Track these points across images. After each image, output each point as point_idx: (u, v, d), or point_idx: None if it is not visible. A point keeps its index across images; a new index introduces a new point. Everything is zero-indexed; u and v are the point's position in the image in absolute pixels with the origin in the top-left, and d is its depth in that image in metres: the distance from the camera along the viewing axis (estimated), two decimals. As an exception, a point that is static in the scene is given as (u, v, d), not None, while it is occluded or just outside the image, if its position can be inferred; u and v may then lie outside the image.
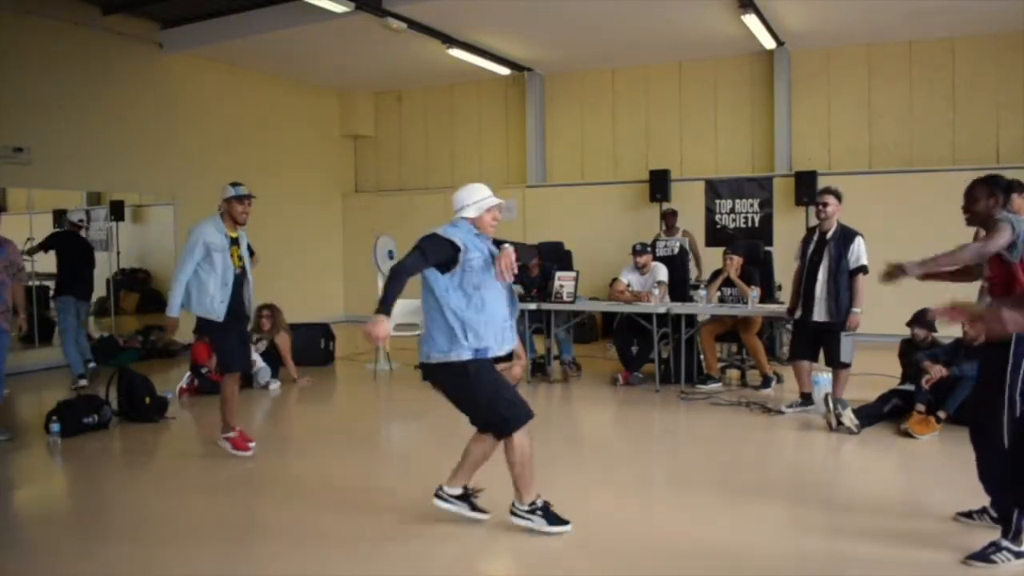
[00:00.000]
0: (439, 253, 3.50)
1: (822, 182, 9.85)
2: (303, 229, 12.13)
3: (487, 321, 3.55)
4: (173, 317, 5.00)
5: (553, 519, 3.75)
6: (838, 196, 6.00)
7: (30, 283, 8.92)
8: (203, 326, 5.07)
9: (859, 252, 5.86)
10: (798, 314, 6.10)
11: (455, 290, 3.53)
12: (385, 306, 3.32)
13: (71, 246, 7.85)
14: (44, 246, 7.90)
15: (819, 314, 5.91)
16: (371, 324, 3.27)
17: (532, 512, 3.74)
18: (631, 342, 7.50)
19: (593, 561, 3.53)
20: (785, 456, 5.44)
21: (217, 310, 4.99)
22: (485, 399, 3.62)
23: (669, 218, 9.56)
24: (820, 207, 5.97)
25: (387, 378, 8.15)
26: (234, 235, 5.15)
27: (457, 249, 3.50)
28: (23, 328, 6.10)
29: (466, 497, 3.87)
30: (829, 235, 5.93)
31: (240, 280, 5.13)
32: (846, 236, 5.90)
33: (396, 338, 8.37)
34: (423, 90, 12.80)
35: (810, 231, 6.17)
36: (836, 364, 5.96)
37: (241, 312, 5.19)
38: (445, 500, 3.83)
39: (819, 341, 6.04)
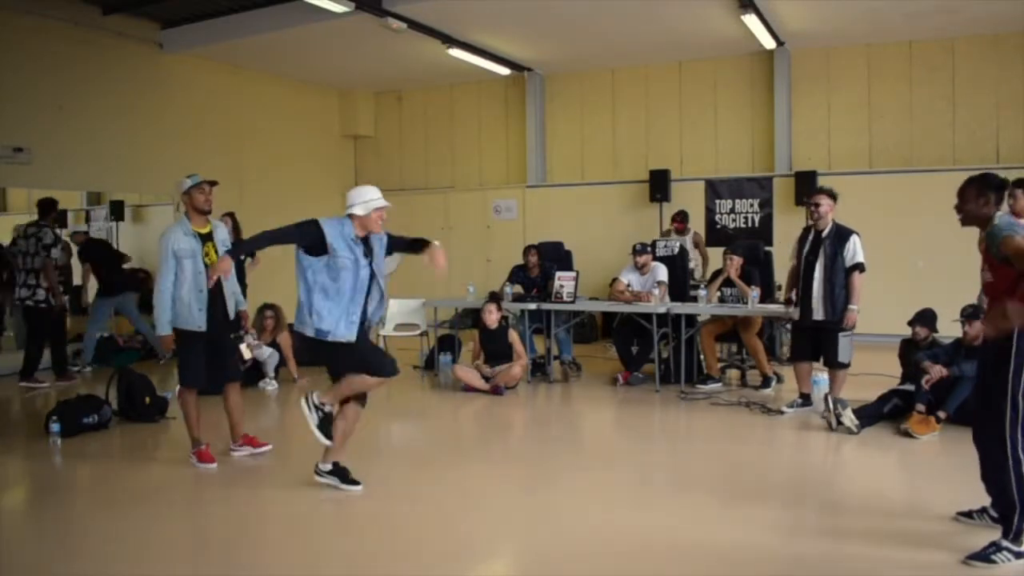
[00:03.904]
0: (308, 236, 4.06)
1: (822, 182, 9.86)
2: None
3: (331, 308, 4.07)
4: (166, 335, 4.78)
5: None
6: (832, 195, 6.00)
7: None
8: (180, 336, 4.84)
9: (855, 250, 5.85)
10: (796, 314, 6.11)
11: (315, 273, 4.07)
12: (236, 250, 4.42)
13: (96, 253, 8.95)
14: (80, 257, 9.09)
15: (816, 313, 5.92)
16: (220, 261, 4.09)
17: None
18: (631, 342, 7.50)
19: (593, 561, 3.52)
20: (785, 456, 5.45)
21: (197, 319, 4.77)
22: (344, 363, 4.21)
23: (678, 223, 9.63)
24: (813, 207, 5.98)
25: (387, 378, 8.15)
26: (205, 231, 4.89)
27: (323, 239, 4.03)
28: None
29: (338, 472, 4.39)
30: (825, 234, 5.93)
31: (217, 280, 4.80)
32: (841, 235, 5.90)
33: (396, 338, 8.44)
34: (423, 90, 12.80)
35: (805, 230, 6.15)
36: (833, 364, 5.97)
37: (223, 317, 4.93)
38: (320, 475, 4.39)
39: (817, 341, 6.04)
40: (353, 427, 4.37)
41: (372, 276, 4.20)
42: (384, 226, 4.27)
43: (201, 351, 4.90)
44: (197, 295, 4.76)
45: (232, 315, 5.04)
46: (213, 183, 4.96)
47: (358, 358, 4.19)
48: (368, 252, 4.19)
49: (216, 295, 4.86)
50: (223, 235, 5.05)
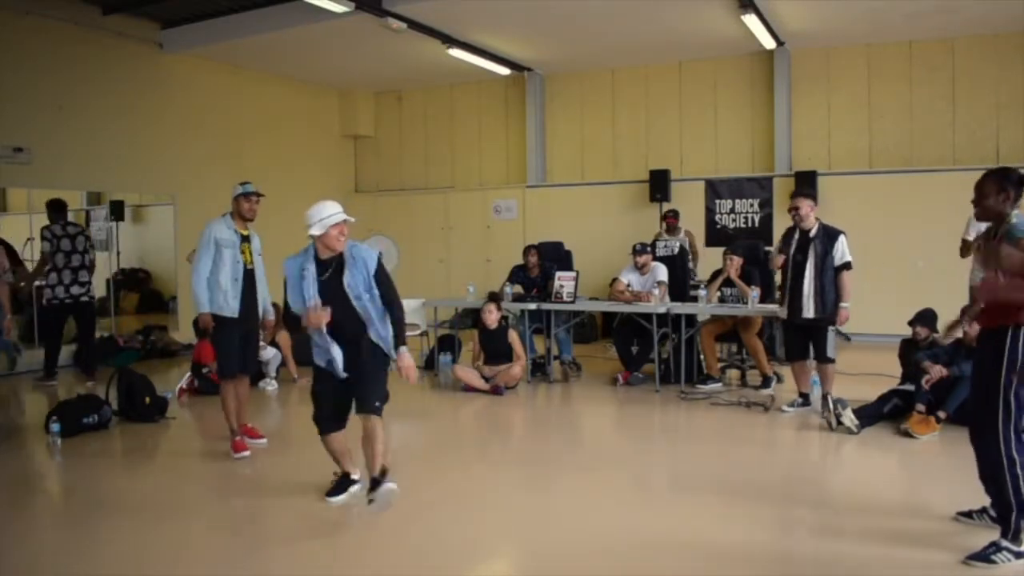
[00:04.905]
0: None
1: (822, 182, 9.90)
2: (303, 229, 12.09)
3: (316, 344, 4.09)
4: (206, 313, 5.04)
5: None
6: (812, 197, 6.15)
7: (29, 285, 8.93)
8: (214, 322, 5.10)
9: (843, 249, 5.98)
10: (784, 314, 6.14)
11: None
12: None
13: None
14: None
15: (808, 311, 5.99)
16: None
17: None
18: (631, 342, 7.50)
19: (592, 561, 3.52)
20: (785, 456, 5.45)
21: (231, 305, 5.06)
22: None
23: (670, 219, 9.59)
24: (793, 212, 6.06)
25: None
26: (245, 233, 5.21)
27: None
28: (10, 330, 6.17)
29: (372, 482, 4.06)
30: (812, 234, 6.01)
31: (251, 277, 5.19)
32: (829, 234, 6.00)
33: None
34: (423, 90, 12.81)
35: (790, 229, 6.22)
36: (822, 359, 6.08)
37: (252, 311, 5.22)
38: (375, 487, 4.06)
39: (808, 337, 6.13)
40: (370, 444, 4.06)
41: (344, 299, 3.99)
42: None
43: (237, 339, 5.16)
44: (233, 284, 5.08)
45: (261, 315, 5.34)
46: (260, 195, 5.24)
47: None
48: (333, 272, 4.00)
49: (248, 291, 5.15)
50: (258, 245, 5.34)
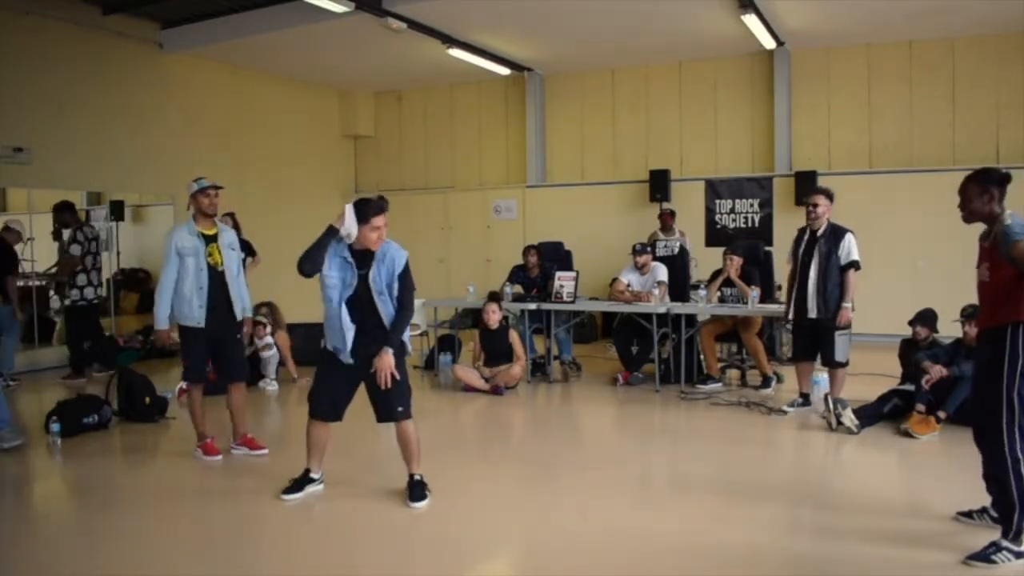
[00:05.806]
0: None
1: (822, 182, 9.87)
2: (303, 229, 12.00)
3: (330, 326, 4.08)
4: (162, 329, 4.99)
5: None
6: (829, 196, 6.05)
7: (31, 284, 8.96)
8: (181, 332, 5.02)
9: (850, 248, 5.90)
10: (792, 314, 6.12)
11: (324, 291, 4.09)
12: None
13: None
14: None
15: (811, 311, 5.95)
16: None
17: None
18: (631, 342, 7.50)
19: (592, 561, 3.52)
20: (785, 456, 5.45)
21: (196, 315, 4.92)
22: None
23: (667, 218, 9.58)
24: (810, 208, 6.00)
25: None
26: (211, 232, 5.05)
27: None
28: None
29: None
30: (820, 233, 5.97)
31: (222, 279, 5.01)
32: (836, 234, 5.95)
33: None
34: (423, 90, 12.81)
35: (800, 231, 6.19)
36: (831, 363, 6.00)
37: (225, 314, 5.04)
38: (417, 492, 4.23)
39: (815, 339, 6.06)
40: (406, 447, 4.25)
41: (368, 292, 4.01)
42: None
43: (203, 348, 5.06)
44: (197, 291, 4.93)
45: (239, 317, 5.15)
46: (218, 188, 5.09)
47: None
48: (363, 266, 4.01)
49: (218, 294, 4.99)
50: (230, 238, 5.17)
